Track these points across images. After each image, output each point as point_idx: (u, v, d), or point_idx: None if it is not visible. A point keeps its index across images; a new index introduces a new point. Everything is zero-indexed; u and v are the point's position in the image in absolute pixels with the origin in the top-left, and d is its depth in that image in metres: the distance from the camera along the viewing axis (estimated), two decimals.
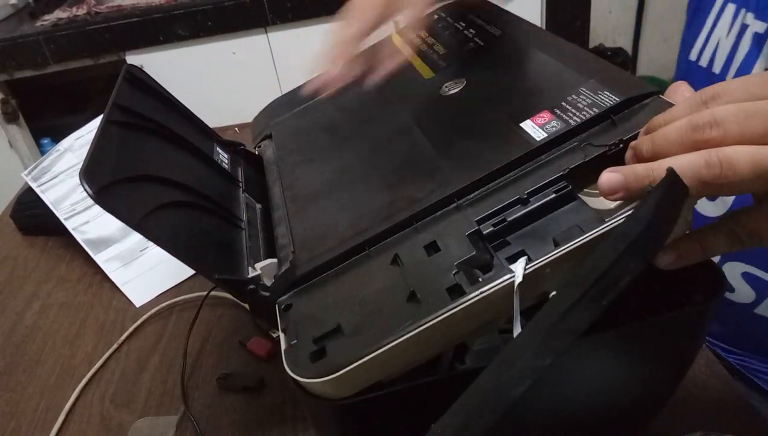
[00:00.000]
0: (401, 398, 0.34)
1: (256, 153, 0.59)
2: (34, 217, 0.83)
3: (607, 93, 0.38)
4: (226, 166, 0.54)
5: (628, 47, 2.32)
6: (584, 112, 0.38)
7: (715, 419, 0.46)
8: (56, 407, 0.58)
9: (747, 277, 0.60)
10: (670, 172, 0.27)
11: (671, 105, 0.36)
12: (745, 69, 0.58)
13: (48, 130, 1.80)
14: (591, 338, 0.35)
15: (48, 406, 0.58)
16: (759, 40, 0.57)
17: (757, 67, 0.57)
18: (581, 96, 0.39)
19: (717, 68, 0.62)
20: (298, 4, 1.60)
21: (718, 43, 0.62)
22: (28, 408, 0.58)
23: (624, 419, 0.42)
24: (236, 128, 1.03)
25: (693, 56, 0.66)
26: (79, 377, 0.60)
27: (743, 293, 0.61)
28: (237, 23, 1.61)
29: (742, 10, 0.59)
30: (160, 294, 0.70)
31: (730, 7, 0.61)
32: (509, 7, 0.57)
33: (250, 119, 0.64)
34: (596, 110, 0.37)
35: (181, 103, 0.55)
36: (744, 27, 0.58)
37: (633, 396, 0.40)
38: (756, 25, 0.57)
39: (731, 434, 0.45)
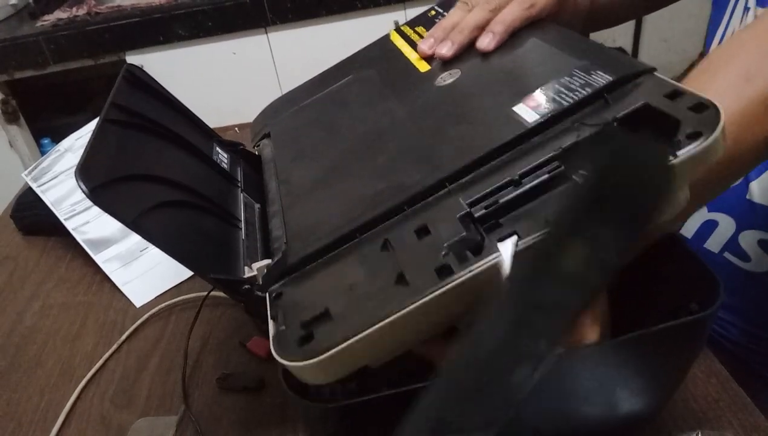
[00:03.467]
0: (398, 401, 0.34)
1: (256, 153, 0.59)
2: (34, 217, 0.83)
3: (600, 72, 0.38)
4: (226, 166, 0.54)
5: (628, 47, 2.32)
6: (577, 93, 0.37)
7: (714, 419, 0.46)
8: (56, 407, 0.58)
9: (764, 244, 0.59)
10: (607, 125, 0.24)
11: (667, 82, 0.35)
12: None
13: (48, 130, 1.80)
14: (589, 349, 0.35)
15: (48, 406, 0.58)
16: None
17: None
18: (574, 77, 0.39)
19: None
20: (298, 4, 1.60)
21: (733, 33, 0.61)
22: (28, 408, 0.58)
23: (621, 426, 0.42)
24: (236, 128, 1.03)
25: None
26: (79, 377, 0.60)
27: (760, 261, 0.60)
28: (237, 23, 1.61)
29: None
30: (160, 294, 0.70)
31: None
32: None
33: (250, 119, 0.64)
34: (589, 90, 0.37)
35: (181, 103, 0.55)
36: (746, 10, 0.58)
37: (630, 405, 0.40)
38: (758, 12, 0.56)
39: (731, 434, 0.45)
